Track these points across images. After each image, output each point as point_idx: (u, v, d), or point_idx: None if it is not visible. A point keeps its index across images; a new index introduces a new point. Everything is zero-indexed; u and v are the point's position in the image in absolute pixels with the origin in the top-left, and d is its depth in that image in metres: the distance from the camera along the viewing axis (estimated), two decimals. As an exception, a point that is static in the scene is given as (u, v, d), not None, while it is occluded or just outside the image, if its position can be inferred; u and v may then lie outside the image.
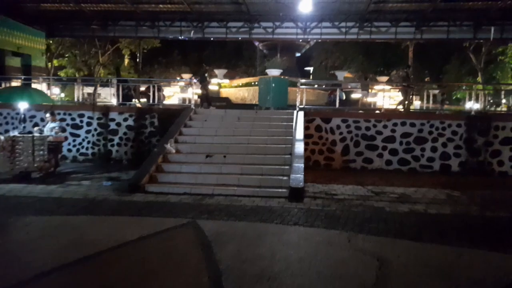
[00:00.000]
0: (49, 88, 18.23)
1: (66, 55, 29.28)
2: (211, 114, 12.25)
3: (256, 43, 34.06)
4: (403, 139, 11.48)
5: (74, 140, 12.66)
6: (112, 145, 12.53)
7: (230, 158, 9.49)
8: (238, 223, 6.01)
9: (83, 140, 12.65)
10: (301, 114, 11.52)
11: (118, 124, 12.48)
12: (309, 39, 24.41)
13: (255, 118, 11.62)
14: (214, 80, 24.43)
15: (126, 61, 29.71)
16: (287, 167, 8.93)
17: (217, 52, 36.07)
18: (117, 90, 12.93)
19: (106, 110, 12.63)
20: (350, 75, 30.62)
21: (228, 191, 8.16)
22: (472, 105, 13.20)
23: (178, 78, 26.05)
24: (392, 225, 6.12)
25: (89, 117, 12.60)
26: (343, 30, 20.55)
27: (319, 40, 25.81)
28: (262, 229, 5.73)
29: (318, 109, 14.04)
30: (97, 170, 11.08)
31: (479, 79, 26.57)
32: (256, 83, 19.52)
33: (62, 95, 26.46)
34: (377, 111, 13.48)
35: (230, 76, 27.34)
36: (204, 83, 15.68)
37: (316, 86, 22.70)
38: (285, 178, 8.51)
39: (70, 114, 12.68)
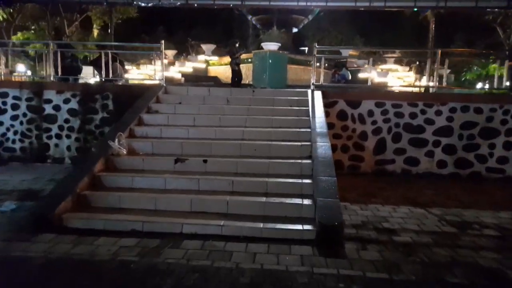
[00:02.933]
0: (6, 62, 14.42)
1: (32, 27, 25.21)
2: (189, 94, 8.58)
3: (249, 17, 30.47)
4: (463, 132, 8.00)
5: (-5, 131, 8.99)
6: (49, 137, 8.84)
7: (213, 164, 5.94)
8: None
9: (8, 129, 8.91)
10: (318, 94, 7.97)
11: (57, 108, 8.75)
12: (312, 7, 20.83)
13: (252, 101, 8.02)
14: (201, 57, 21.36)
15: (96, 32, 25.48)
16: (307, 180, 5.42)
17: (206, 30, 33.21)
18: (55, 60, 9.16)
19: (38, 88, 8.87)
20: (355, 53, 27.39)
21: (208, 228, 4.63)
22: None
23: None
24: None
25: (14, 97, 8.83)
26: (354, -5, 17.09)
27: (324, 9, 22.24)
28: None
29: (342, 88, 10.62)
30: (19, 175, 7.47)
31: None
32: (250, 60, 16.23)
33: (29, 72, 22.56)
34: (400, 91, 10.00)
35: (219, 53, 23.99)
36: (235, 55, 12.19)
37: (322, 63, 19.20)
38: (306, 202, 5.00)
39: (-12, 94, 8.95)
